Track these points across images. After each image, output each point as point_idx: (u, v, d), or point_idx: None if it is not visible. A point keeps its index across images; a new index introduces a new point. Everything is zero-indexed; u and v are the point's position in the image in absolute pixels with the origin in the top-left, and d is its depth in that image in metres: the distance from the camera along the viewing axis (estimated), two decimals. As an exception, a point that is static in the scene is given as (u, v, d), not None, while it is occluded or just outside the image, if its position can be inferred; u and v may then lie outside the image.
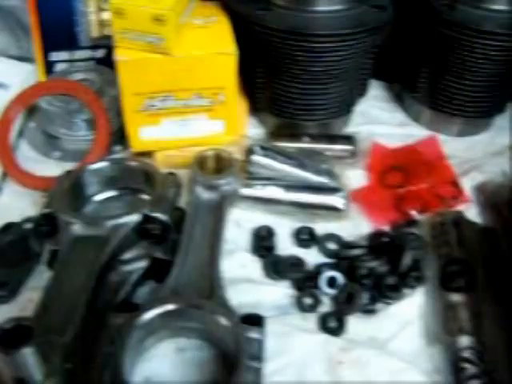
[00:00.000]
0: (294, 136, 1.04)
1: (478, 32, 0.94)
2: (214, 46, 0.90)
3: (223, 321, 0.71)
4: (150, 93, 0.91)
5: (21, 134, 1.08)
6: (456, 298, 0.81)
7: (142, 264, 0.82)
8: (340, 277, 0.83)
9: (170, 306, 0.71)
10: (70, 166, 0.97)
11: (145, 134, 0.96)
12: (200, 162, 0.90)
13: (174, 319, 0.72)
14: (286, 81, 0.98)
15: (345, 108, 1.06)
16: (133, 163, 0.90)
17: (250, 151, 0.94)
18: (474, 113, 1.09)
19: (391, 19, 0.95)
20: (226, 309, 0.72)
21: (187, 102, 0.93)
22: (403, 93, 1.17)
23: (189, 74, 0.90)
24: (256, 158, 0.94)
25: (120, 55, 0.88)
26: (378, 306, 0.83)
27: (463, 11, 0.96)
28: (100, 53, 1.15)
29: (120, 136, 1.01)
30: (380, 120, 1.17)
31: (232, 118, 0.97)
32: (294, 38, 0.90)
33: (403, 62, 1.14)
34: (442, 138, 1.13)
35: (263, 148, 0.95)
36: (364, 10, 0.94)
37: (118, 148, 1.04)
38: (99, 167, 0.89)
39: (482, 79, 1.03)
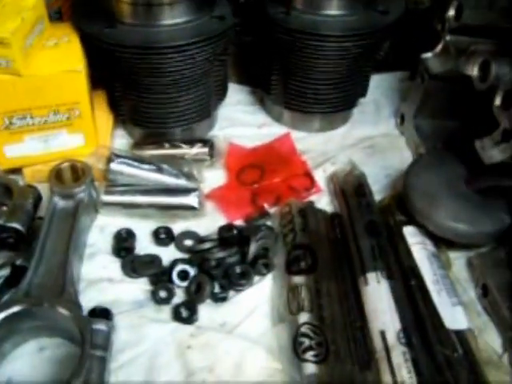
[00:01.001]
0: (156, 143, 1.10)
1: (312, 35, 1.02)
2: (64, 64, 0.96)
3: (69, 315, 0.76)
4: (7, 112, 0.96)
5: None
6: (298, 279, 0.88)
7: (4, 272, 0.86)
8: (191, 269, 0.90)
9: (15, 308, 0.76)
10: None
11: (9, 151, 1.01)
12: (57, 174, 0.96)
13: (23, 320, 0.77)
14: (140, 92, 1.05)
15: (203, 113, 1.12)
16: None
17: (108, 160, 1.00)
18: (326, 109, 1.17)
19: (231, 28, 1.02)
20: (72, 304, 0.78)
21: (45, 118, 0.98)
22: (264, 96, 1.24)
23: (42, 93, 0.95)
24: (113, 166, 1.00)
25: (-30, 76, 0.92)
26: (230, 293, 0.90)
27: (298, 17, 1.04)
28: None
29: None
30: (243, 122, 1.24)
31: (90, 130, 1.03)
32: (139, 53, 0.96)
33: (258, 66, 1.21)
34: (302, 134, 1.21)
35: (120, 156, 1.01)
36: (205, 21, 1.00)
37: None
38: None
39: (326, 78, 1.11)
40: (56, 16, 1.25)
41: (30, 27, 0.94)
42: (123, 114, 1.13)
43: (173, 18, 0.99)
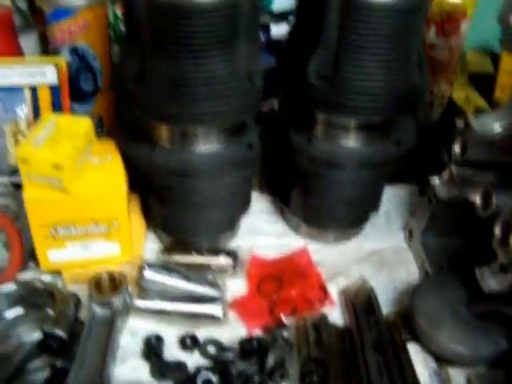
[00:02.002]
0: (185, 251, 1.20)
1: (331, 164, 1.13)
2: (107, 184, 1.07)
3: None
4: (54, 224, 1.07)
5: None
6: (311, 392, 0.97)
7: (45, 373, 0.96)
8: (214, 378, 0.99)
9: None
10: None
11: (52, 256, 1.12)
12: (96, 282, 1.06)
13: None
14: (172, 207, 1.15)
15: (228, 225, 1.23)
16: (38, 284, 1.05)
17: (141, 268, 1.11)
18: (340, 226, 1.27)
19: (259, 156, 1.12)
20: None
21: (87, 229, 1.09)
22: (284, 207, 1.35)
23: (86, 208, 1.07)
24: (146, 274, 1.11)
25: (27, 193, 1.04)
26: (248, 401, 0.99)
27: (318, 146, 1.14)
28: (17, 178, 1.29)
29: (33, 253, 1.16)
30: (264, 232, 1.34)
31: (126, 241, 1.13)
32: (174, 176, 1.08)
33: (279, 181, 1.32)
34: (317, 245, 1.31)
35: (153, 266, 1.12)
36: (235, 149, 1.10)
37: (32, 264, 1.19)
38: (9, 290, 1.04)
39: (342, 200, 1.21)
40: (98, 124, 1.37)
41: (81, 152, 1.05)
42: (155, 222, 1.24)
43: (206, 145, 1.09)
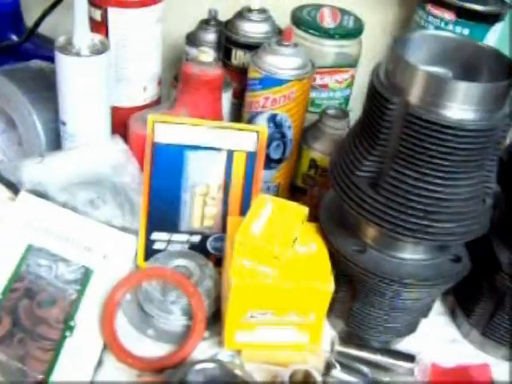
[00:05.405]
0: (362, 346, 1.18)
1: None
2: (314, 279, 1.06)
3: None
4: (253, 309, 1.06)
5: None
6: None
7: None
8: None
9: None
10: (163, 346, 1.13)
11: (240, 337, 1.11)
12: (291, 375, 1.05)
13: None
14: (363, 305, 1.14)
15: (411, 330, 1.21)
16: (237, 371, 1.03)
17: (330, 366, 1.09)
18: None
19: (466, 270, 1.09)
20: None
21: (281, 318, 1.08)
22: (458, 311, 1.31)
23: (289, 299, 1.06)
24: (335, 373, 1.09)
25: (236, 280, 1.03)
26: None
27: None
28: (196, 238, 1.30)
29: (209, 322, 1.15)
30: (433, 334, 1.30)
31: (317, 333, 1.12)
32: (376, 279, 1.06)
33: (466, 289, 1.28)
34: (489, 359, 1.26)
35: (341, 364, 1.10)
36: (443, 261, 1.08)
37: (206, 335, 1.18)
38: (204, 368, 1.03)
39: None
40: (275, 190, 1.37)
41: (295, 241, 1.05)
42: (334, 307, 1.20)
43: (414, 254, 1.07)
